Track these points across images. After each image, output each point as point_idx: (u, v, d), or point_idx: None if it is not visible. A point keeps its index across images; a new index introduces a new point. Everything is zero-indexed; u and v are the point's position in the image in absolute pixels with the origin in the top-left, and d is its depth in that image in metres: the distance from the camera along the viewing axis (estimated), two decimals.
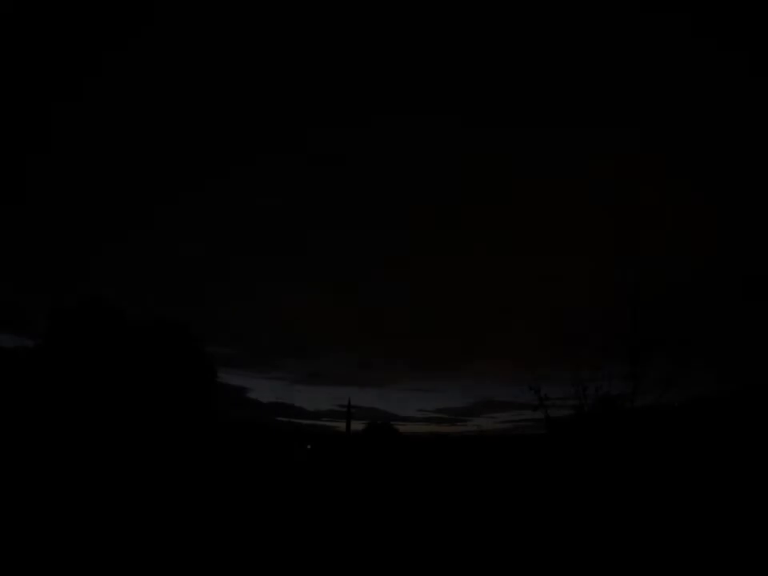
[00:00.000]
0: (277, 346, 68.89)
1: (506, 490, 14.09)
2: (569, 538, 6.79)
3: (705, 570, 5.27)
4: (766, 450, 9.81)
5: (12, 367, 24.30)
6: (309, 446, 41.76)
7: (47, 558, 6.56)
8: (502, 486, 15.36)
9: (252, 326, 56.59)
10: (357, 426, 46.43)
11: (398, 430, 47.64)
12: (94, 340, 24.61)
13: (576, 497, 8.89)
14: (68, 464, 15.74)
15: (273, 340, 65.28)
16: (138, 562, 6.49)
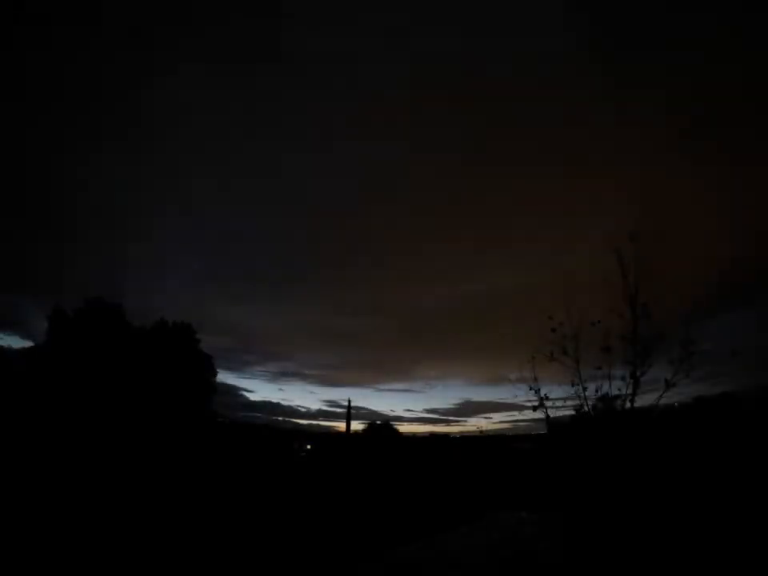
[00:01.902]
0: (247, 346, 68.52)
1: (509, 488, 14.10)
2: (570, 536, 6.80)
3: (704, 569, 5.27)
4: (766, 450, 9.82)
5: (11, 367, 24.31)
6: (308, 446, 41.81)
7: (48, 553, 6.57)
8: (504, 485, 15.37)
9: (221, 326, 55.47)
10: (348, 425, 46.26)
11: (398, 430, 47.63)
12: (94, 340, 24.61)
13: (577, 496, 8.89)
14: (68, 462, 15.73)
15: (241, 339, 64.40)
16: (138, 558, 6.50)
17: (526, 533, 6.74)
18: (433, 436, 52.39)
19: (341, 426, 49.73)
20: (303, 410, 63.71)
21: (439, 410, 69.95)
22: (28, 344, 26.89)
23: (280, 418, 53.71)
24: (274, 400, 62.51)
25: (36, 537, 7.51)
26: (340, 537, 8.74)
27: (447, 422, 69.03)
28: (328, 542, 8.20)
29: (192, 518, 9.98)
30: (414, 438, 49.41)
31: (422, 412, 70.90)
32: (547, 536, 6.45)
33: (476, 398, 76.97)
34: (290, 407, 61.63)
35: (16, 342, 30.34)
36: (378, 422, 47.51)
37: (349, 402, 46.11)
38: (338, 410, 62.50)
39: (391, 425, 47.70)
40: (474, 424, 67.44)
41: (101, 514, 9.49)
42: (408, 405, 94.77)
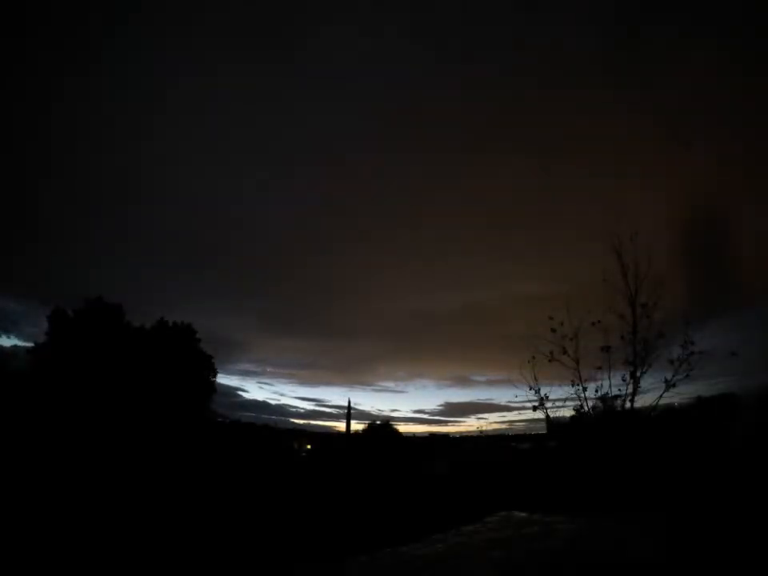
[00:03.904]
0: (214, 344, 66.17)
1: (509, 488, 14.10)
2: (573, 538, 6.79)
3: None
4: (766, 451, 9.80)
5: (8, 367, 24.36)
6: (309, 446, 41.88)
7: (49, 553, 6.58)
8: (504, 485, 15.37)
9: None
10: (342, 424, 46.14)
11: (398, 430, 47.56)
12: (95, 340, 24.62)
13: (578, 496, 8.90)
14: (70, 462, 15.75)
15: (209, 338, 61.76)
16: (139, 556, 6.52)
17: (527, 534, 6.75)
18: (433, 436, 52.43)
19: (338, 425, 49.74)
20: (293, 409, 62.99)
21: (426, 411, 69.38)
22: (28, 345, 26.94)
23: (273, 417, 53.08)
24: (260, 398, 61.12)
25: (38, 534, 7.53)
26: (340, 536, 8.76)
27: (440, 423, 68.56)
28: (329, 541, 8.22)
29: (196, 517, 9.99)
30: (414, 437, 49.43)
31: (409, 412, 70.19)
32: (549, 537, 6.45)
33: (454, 399, 77.09)
34: (279, 406, 60.61)
35: (15, 343, 30.45)
36: (378, 422, 47.50)
37: (349, 402, 46.05)
38: (327, 409, 61.86)
39: (391, 425, 47.65)
40: (471, 424, 67.40)
41: (103, 513, 9.51)
42: (393, 405, 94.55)
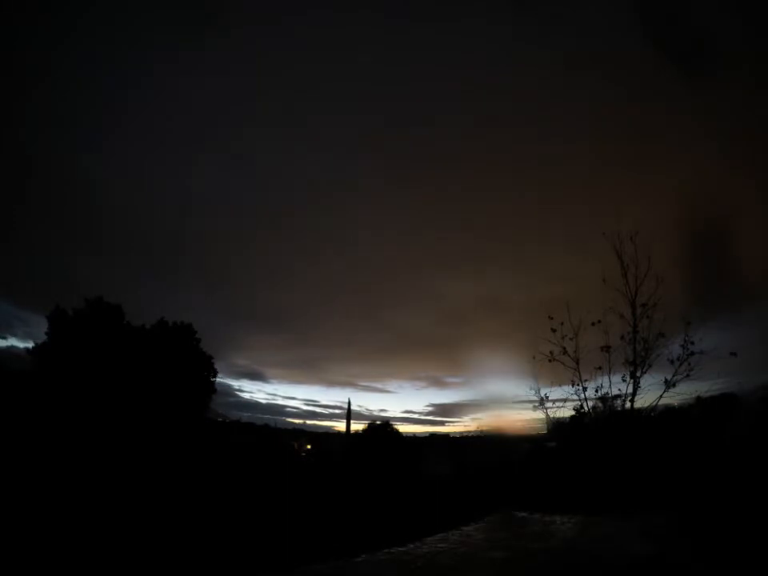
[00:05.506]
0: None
1: (508, 488, 14.10)
2: (573, 538, 6.80)
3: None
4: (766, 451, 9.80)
5: (11, 368, 24.40)
6: (308, 446, 41.88)
7: (49, 553, 6.59)
8: (504, 484, 15.37)
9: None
10: (337, 424, 45.84)
11: (398, 429, 47.46)
12: (95, 340, 24.64)
13: (576, 497, 8.90)
14: (71, 462, 15.76)
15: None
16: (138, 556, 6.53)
17: (527, 533, 6.76)
18: (433, 436, 52.38)
19: (334, 425, 49.62)
20: (288, 409, 62.37)
21: (415, 411, 68.63)
22: (25, 345, 26.91)
23: (266, 416, 52.64)
24: (249, 397, 60.19)
25: (40, 532, 7.54)
26: (342, 535, 8.78)
27: (433, 423, 67.98)
28: (329, 540, 8.23)
29: (198, 517, 10.01)
30: (415, 437, 49.39)
31: (398, 412, 69.37)
32: (549, 537, 6.47)
33: (437, 399, 76.75)
34: (269, 406, 59.81)
35: (14, 343, 30.45)
36: (378, 423, 47.39)
37: (349, 402, 45.93)
38: (319, 409, 61.49)
39: (391, 424, 47.51)
40: (468, 424, 67.22)
41: (107, 512, 9.52)
42: (381, 405, 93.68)
